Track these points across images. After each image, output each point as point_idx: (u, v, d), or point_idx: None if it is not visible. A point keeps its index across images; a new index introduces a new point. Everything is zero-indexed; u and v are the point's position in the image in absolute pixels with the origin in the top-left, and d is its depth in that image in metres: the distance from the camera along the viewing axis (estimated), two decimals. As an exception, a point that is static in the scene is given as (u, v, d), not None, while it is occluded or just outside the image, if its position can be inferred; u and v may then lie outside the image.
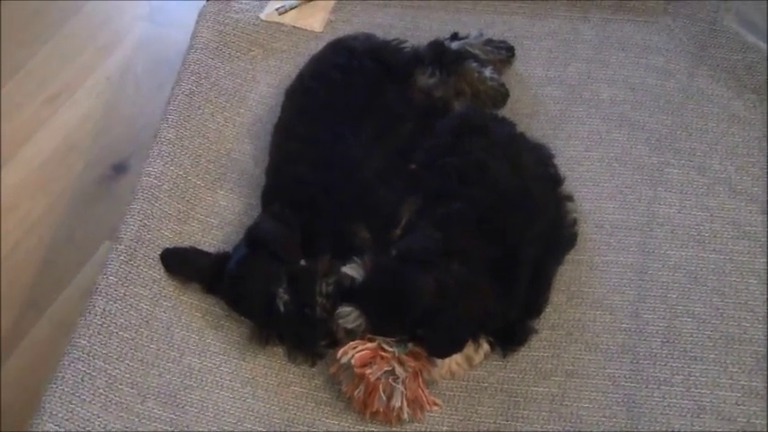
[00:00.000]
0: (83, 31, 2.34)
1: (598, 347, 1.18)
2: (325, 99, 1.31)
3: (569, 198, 1.28)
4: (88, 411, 1.11)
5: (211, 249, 1.28)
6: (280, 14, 1.58)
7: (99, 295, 1.21)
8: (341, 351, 1.07)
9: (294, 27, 1.58)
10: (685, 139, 1.38)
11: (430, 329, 1.05)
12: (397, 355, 1.06)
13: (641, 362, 1.16)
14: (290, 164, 1.27)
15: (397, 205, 1.20)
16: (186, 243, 1.29)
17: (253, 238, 1.20)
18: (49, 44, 2.30)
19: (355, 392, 1.08)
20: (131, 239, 1.26)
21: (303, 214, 1.21)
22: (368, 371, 1.05)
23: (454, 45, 1.41)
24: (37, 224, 1.96)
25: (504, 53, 1.44)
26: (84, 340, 1.16)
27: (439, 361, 1.09)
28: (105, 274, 1.23)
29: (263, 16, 1.59)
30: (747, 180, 1.32)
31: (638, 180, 1.34)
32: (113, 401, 1.12)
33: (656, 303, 1.22)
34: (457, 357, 1.11)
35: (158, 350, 1.19)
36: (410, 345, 1.08)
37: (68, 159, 2.07)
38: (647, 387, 1.14)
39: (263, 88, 1.51)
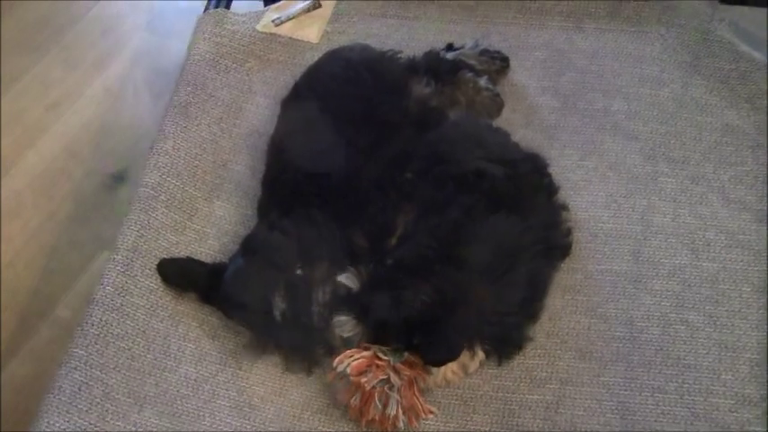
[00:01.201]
0: (83, 40, 2.36)
1: (592, 355, 1.19)
2: (321, 109, 1.32)
3: (564, 207, 1.29)
4: (85, 420, 1.11)
5: (208, 259, 1.29)
6: (276, 26, 1.60)
7: (96, 305, 1.21)
8: (337, 360, 1.08)
9: (290, 38, 1.59)
10: (679, 148, 1.39)
11: (426, 338, 1.06)
12: (392, 363, 1.07)
13: (635, 369, 1.17)
14: (287, 174, 1.28)
15: (392, 214, 1.20)
16: (183, 253, 1.30)
17: (249, 248, 1.21)
18: (50, 53, 2.32)
19: (351, 401, 1.09)
20: (128, 250, 1.27)
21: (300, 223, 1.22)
22: (363, 379, 1.06)
23: (449, 55, 1.42)
24: (38, 232, 1.97)
25: (498, 63, 1.45)
26: (80, 350, 1.17)
27: (434, 369, 1.10)
28: (102, 285, 1.24)
29: (259, 27, 1.60)
30: (741, 189, 1.33)
31: (632, 189, 1.35)
32: (110, 410, 1.13)
33: (649, 311, 1.22)
34: (452, 365, 1.11)
35: (155, 359, 1.19)
36: (405, 354, 1.08)
37: (69, 168, 2.09)
38: (641, 395, 1.15)
39: (259, 99, 1.53)
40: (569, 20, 1.56)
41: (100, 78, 2.26)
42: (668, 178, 1.36)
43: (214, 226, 1.36)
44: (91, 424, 1.11)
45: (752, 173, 1.35)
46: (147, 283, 1.25)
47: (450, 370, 1.12)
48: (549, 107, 1.46)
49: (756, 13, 1.51)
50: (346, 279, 1.11)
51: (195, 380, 1.19)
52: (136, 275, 1.25)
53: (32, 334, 1.80)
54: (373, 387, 1.06)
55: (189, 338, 1.23)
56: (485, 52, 1.45)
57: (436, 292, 1.07)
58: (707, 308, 1.22)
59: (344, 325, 1.09)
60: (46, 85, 2.25)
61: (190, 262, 1.26)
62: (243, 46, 1.57)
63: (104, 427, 1.12)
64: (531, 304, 1.20)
